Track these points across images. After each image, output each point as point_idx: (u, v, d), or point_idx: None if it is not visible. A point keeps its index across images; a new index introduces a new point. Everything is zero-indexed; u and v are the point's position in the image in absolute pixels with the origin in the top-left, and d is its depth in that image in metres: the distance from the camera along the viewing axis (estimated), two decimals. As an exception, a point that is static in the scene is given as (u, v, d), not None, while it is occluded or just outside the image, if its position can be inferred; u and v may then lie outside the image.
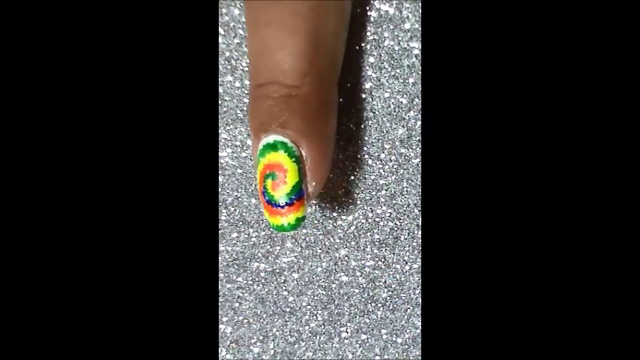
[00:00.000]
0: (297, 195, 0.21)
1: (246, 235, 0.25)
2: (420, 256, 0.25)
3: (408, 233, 0.25)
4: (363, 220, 0.25)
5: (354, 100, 0.23)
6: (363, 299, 0.26)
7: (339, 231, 0.25)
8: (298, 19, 0.19)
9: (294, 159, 0.20)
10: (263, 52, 0.19)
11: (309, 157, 0.21)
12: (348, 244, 0.25)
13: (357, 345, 0.27)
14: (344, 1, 0.20)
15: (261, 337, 0.27)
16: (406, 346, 0.27)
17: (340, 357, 0.28)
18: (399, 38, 0.21)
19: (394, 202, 0.24)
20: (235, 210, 0.25)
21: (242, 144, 0.24)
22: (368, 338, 0.27)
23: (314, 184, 0.21)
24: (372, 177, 0.24)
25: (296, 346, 0.28)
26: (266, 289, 0.26)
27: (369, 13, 0.21)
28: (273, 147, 0.20)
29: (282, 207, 0.21)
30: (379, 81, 0.22)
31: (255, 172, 0.21)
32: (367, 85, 0.22)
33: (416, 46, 0.21)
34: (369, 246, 0.25)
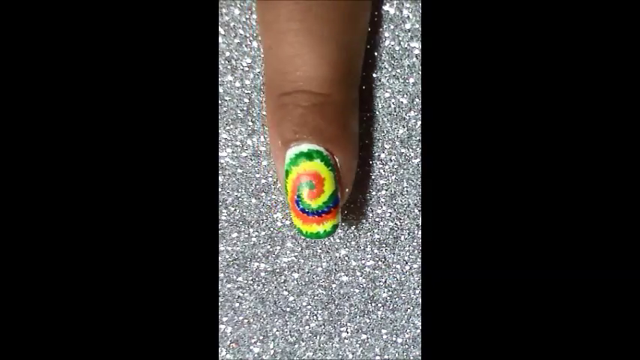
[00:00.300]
0: (334, 202, 0.21)
1: (246, 235, 0.25)
2: (420, 256, 0.25)
3: (408, 233, 0.25)
4: (363, 220, 0.25)
5: (354, 100, 0.22)
6: (363, 299, 0.26)
7: (339, 231, 0.25)
8: (331, 27, 0.19)
9: (330, 167, 0.20)
10: (290, 59, 0.19)
11: (343, 164, 0.21)
12: (348, 244, 0.25)
13: (357, 345, 0.27)
14: (369, 6, 0.20)
15: (261, 337, 0.27)
16: (406, 346, 0.27)
17: (340, 357, 0.28)
18: (399, 38, 0.21)
19: (394, 202, 0.24)
20: (235, 210, 0.25)
21: (242, 144, 0.24)
22: (368, 338, 0.27)
23: (347, 190, 0.22)
24: (372, 177, 0.24)
25: (296, 346, 0.28)
26: (266, 289, 0.26)
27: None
28: (308, 156, 0.20)
29: (320, 215, 0.21)
30: (379, 81, 0.22)
31: (284, 180, 0.21)
32: (367, 85, 0.22)
33: (416, 46, 0.21)
34: (369, 246, 0.25)
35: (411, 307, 0.26)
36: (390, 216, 0.25)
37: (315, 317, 0.27)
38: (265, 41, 0.20)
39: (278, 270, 0.26)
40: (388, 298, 0.26)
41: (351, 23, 0.19)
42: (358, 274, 0.26)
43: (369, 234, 0.25)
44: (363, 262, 0.26)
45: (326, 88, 0.19)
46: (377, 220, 0.25)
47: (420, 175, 0.24)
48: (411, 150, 0.23)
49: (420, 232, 0.25)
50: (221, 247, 0.26)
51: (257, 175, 0.24)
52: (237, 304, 0.27)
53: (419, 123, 0.23)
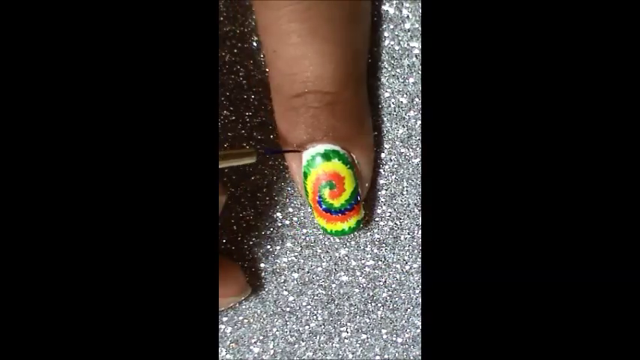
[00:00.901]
0: (356, 199, 0.22)
1: (246, 235, 0.25)
2: (420, 255, 0.25)
3: (408, 233, 0.25)
4: (363, 220, 0.25)
5: (354, 100, 0.22)
6: (363, 299, 0.26)
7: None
8: (335, 28, 0.19)
9: (348, 166, 0.21)
10: (297, 61, 0.19)
11: (361, 161, 0.21)
12: (348, 244, 0.25)
13: (357, 345, 0.27)
14: (370, 4, 0.20)
15: (261, 337, 0.27)
16: (406, 346, 0.27)
17: (340, 357, 0.28)
18: (399, 38, 0.21)
19: (394, 201, 0.24)
20: (235, 210, 0.25)
21: (241, 144, 0.24)
22: (368, 338, 0.27)
23: (367, 185, 0.22)
24: (372, 177, 0.24)
25: (296, 346, 0.28)
26: (266, 289, 0.26)
27: (369, 13, 0.21)
28: (325, 156, 0.20)
29: (344, 213, 0.21)
30: (379, 81, 0.22)
31: (302, 182, 0.21)
32: (367, 85, 0.22)
33: (416, 45, 0.21)
34: (369, 246, 0.25)
35: (411, 307, 0.26)
36: (390, 216, 0.25)
37: (315, 317, 0.27)
38: (268, 44, 0.20)
39: (278, 270, 0.26)
40: (388, 297, 0.26)
41: (353, 21, 0.19)
42: (358, 273, 0.26)
43: (369, 234, 0.25)
44: (363, 261, 0.26)
45: (335, 86, 0.19)
46: (377, 220, 0.25)
47: (420, 175, 0.24)
48: (411, 150, 0.23)
49: (420, 232, 0.25)
50: (221, 247, 0.26)
51: (257, 175, 0.24)
52: (237, 304, 0.27)
53: (419, 123, 0.23)
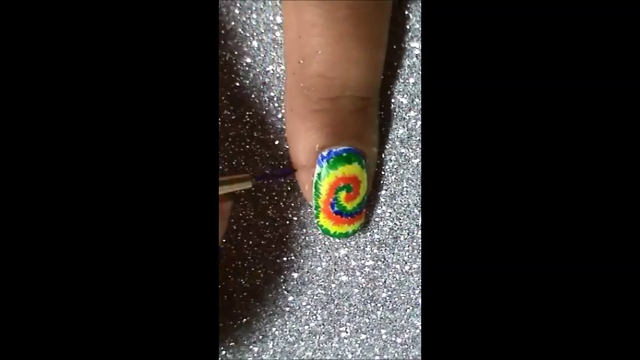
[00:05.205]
0: (365, 203, 0.22)
1: (245, 235, 0.25)
2: (420, 256, 0.25)
3: (408, 233, 0.25)
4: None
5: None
6: (362, 299, 0.26)
7: (339, 231, 0.25)
8: (379, 29, 0.18)
9: (365, 169, 0.21)
10: (341, 64, 0.18)
11: (371, 164, 0.21)
12: (347, 244, 0.25)
13: (357, 345, 0.27)
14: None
15: (260, 337, 0.27)
16: (406, 346, 0.27)
17: (339, 357, 0.28)
18: (400, 38, 0.21)
19: (394, 202, 0.24)
20: (235, 210, 0.25)
21: (241, 143, 0.24)
22: (367, 338, 0.27)
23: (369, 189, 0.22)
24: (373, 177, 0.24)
25: (295, 345, 0.28)
26: (266, 289, 0.26)
27: (369, 13, 0.21)
28: (347, 160, 0.20)
29: (353, 216, 0.22)
30: (379, 81, 0.22)
31: (315, 183, 0.21)
32: (367, 85, 0.22)
33: (416, 46, 0.21)
34: (368, 246, 0.25)
35: (411, 307, 0.26)
36: (389, 216, 0.25)
37: (314, 317, 0.27)
38: (308, 44, 0.19)
39: (278, 270, 0.26)
40: (387, 298, 0.26)
41: (388, 23, 0.19)
42: (358, 274, 0.26)
43: (368, 234, 0.25)
44: (363, 262, 0.26)
45: (371, 92, 0.19)
46: (376, 220, 0.25)
47: (419, 175, 0.24)
48: (410, 150, 0.23)
49: (419, 232, 0.25)
50: (221, 247, 0.26)
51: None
52: (237, 304, 0.27)
53: (419, 123, 0.23)
